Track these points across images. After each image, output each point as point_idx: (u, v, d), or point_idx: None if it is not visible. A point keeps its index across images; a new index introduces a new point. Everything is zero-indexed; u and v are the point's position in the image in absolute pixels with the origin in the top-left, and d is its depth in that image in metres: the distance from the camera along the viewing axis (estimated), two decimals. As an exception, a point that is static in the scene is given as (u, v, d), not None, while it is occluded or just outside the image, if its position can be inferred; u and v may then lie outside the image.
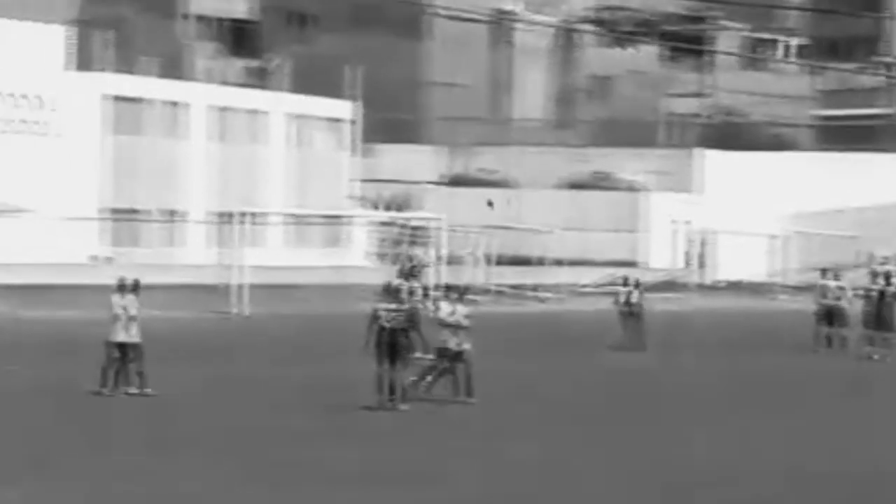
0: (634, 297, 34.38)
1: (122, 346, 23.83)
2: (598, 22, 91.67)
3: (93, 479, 17.47)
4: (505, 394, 25.36)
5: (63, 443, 19.92)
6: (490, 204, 43.66)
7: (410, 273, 32.01)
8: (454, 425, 22.34)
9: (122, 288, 24.10)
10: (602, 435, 21.74)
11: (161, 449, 19.59)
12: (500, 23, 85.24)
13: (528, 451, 20.01)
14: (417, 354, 28.18)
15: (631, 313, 34.18)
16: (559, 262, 51.79)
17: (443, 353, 23.91)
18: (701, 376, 29.86)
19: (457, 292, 24.53)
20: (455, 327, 23.85)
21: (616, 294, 35.33)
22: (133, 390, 23.71)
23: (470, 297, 25.25)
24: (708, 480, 18.14)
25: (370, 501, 16.83)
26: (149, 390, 23.70)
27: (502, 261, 50.99)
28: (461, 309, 24.01)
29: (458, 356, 23.84)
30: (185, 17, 74.90)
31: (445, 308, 24.07)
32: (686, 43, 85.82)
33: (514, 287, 48.52)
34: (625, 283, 35.13)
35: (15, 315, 38.75)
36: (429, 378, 24.03)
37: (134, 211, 55.49)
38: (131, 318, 23.88)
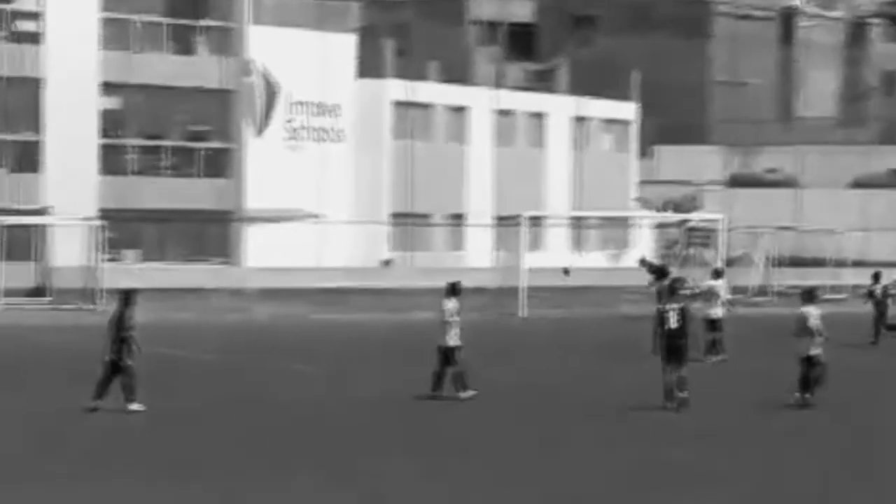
0: (881, 296, 34.56)
1: (450, 350, 23.70)
2: (890, 16, 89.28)
3: (389, 480, 17.99)
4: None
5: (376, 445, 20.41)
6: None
7: (662, 272, 31.71)
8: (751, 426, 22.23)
9: (450, 292, 23.99)
10: None
11: (465, 451, 20.00)
12: (787, 20, 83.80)
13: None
14: (699, 357, 28.09)
15: (880, 313, 34.31)
16: (845, 263, 50.80)
17: (808, 360, 23.45)
18: None
19: (808, 296, 23.91)
20: (815, 332, 23.50)
21: (871, 293, 35.14)
22: (465, 394, 23.56)
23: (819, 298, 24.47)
24: None
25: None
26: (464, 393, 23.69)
27: (783, 262, 50.27)
28: (815, 311, 23.65)
29: (812, 359, 23.47)
30: (472, 22, 75.82)
31: (809, 311, 23.58)
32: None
33: (795, 288, 47.68)
34: (875, 281, 35.05)
35: (309, 318, 39.95)
36: (806, 393, 23.60)
37: (419, 215, 56.50)
38: (455, 323, 23.80)
